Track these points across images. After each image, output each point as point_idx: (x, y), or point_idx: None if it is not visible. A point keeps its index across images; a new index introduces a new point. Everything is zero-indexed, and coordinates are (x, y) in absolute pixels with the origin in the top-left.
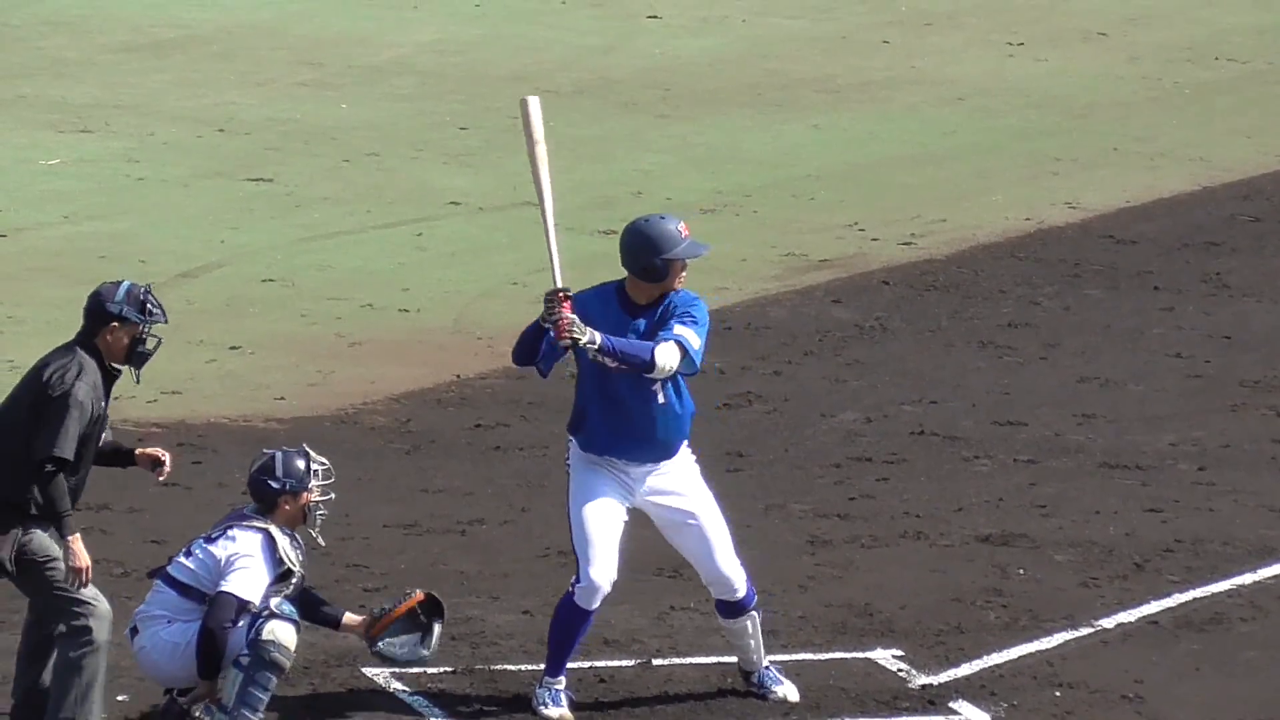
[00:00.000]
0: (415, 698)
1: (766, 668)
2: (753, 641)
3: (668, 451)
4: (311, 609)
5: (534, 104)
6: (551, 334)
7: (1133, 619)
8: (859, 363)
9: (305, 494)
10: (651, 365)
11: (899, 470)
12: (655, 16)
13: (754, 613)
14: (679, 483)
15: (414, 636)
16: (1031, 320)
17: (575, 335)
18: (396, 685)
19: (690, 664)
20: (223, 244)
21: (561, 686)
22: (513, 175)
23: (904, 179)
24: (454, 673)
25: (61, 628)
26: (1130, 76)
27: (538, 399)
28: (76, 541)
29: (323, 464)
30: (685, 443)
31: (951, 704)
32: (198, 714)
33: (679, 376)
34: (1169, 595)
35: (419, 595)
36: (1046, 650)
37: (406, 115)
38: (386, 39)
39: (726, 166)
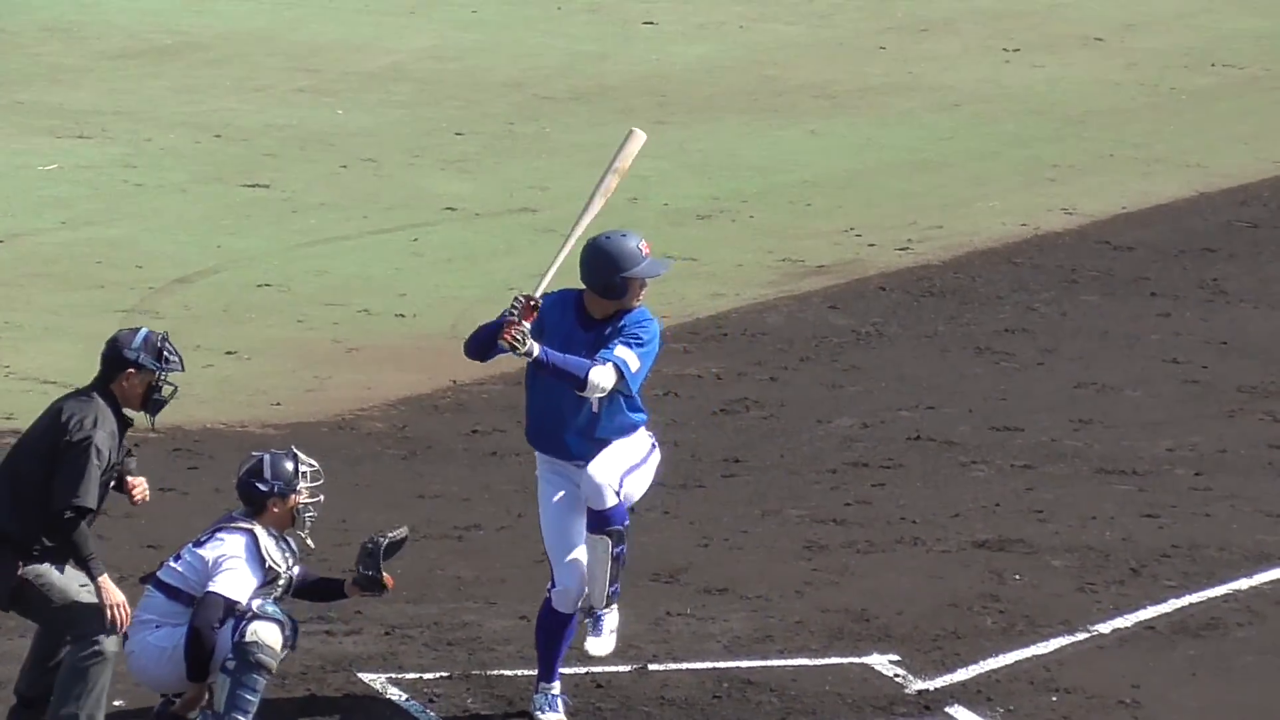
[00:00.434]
0: (411, 703)
1: (601, 614)
2: (597, 570)
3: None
4: (318, 590)
5: (637, 139)
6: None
7: (1129, 624)
8: (855, 369)
9: (294, 496)
10: (584, 384)
11: (895, 476)
12: (651, 23)
13: (609, 539)
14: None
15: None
16: (1028, 326)
17: (515, 343)
18: (393, 690)
19: (686, 669)
20: (219, 249)
21: (556, 691)
22: (509, 181)
23: (901, 185)
24: (450, 678)
25: (70, 638)
26: (1127, 82)
27: None
28: (106, 582)
29: (311, 466)
30: (642, 429)
31: (948, 709)
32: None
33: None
34: (1165, 600)
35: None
36: (1043, 655)
37: (403, 121)
38: (383, 45)
39: (723, 172)
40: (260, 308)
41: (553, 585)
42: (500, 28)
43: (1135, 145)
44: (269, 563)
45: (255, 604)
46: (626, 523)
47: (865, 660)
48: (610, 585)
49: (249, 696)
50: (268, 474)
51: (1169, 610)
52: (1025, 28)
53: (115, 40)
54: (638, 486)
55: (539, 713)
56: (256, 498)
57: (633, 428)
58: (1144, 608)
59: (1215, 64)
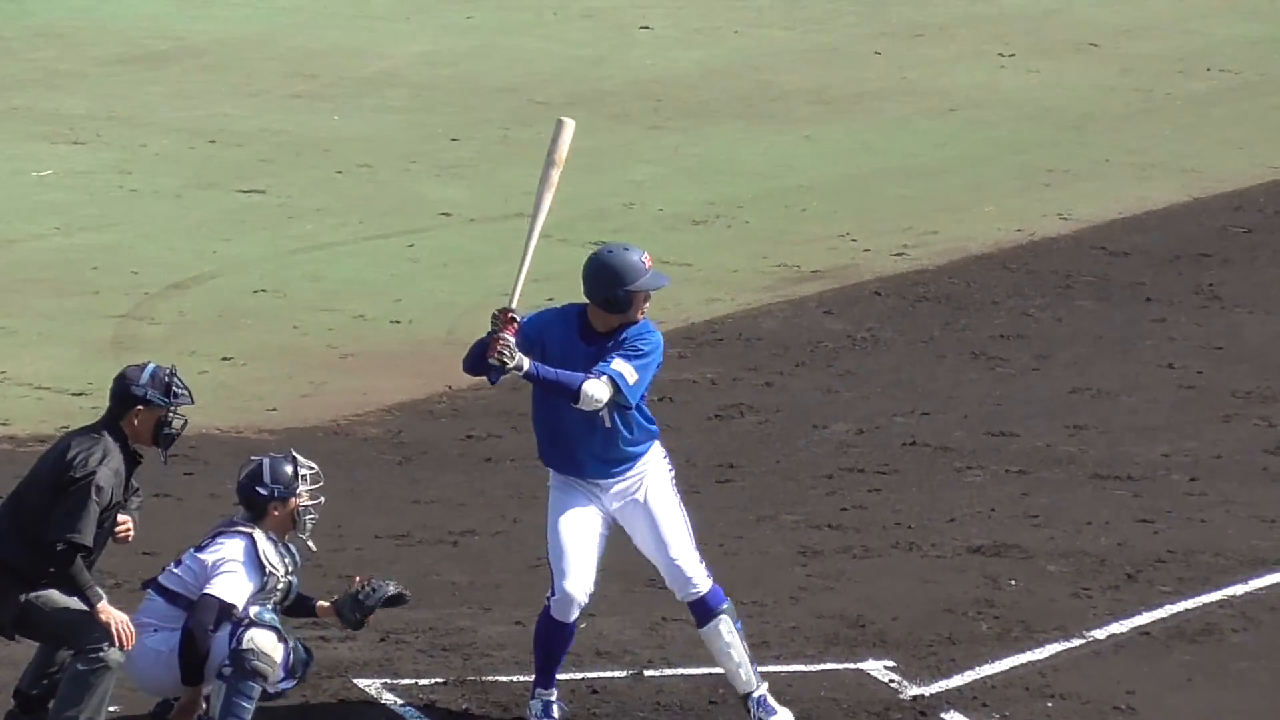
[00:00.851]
0: (407, 709)
1: (761, 698)
2: (733, 653)
3: (624, 465)
4: (299, 605)
5: (568, 128)
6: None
7: (1125, 630)
8: (851, 374)
9: (294, 499)
10: (578, 397)
11: (891, 481)
12: (647, 28)
13: (726, 616)
14: (639, 484)
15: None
16: (1023, 331)
17: (505, 359)
18: (388, 696)
19: (682, 675)
20: (215, 255)
21: (553, 698)
22: (504, 187)
23: (896, 190)
24: (445, 684)
25: (74, 649)
26: (1122, 88)
27: (529, 410)
28: (105, 606)
29: (311, 469)
30: (656, 444)
31: (943, 715)
32: None
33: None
34: (1161, 606)
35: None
36: (1039, 661)
37: (399, 127)
38: (378, 51)
39: (718, 177)
40: (256, 313)
41: (552, 593)
42: (496, 33)
43: (1130, 150)
44: (268, 568)
45: (253, 611)
46: (725, 599)
47: (861, 666)
48: (751, 661)
49: (244, 704)
50: (267, 478)
51: (1164, 616)
52: (1020, 33)
53: (110, 46)
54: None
55: (535, 718)
56: (257, 502)
57: (647, 441)
58: (1139, 613)
59: (1210, 69)
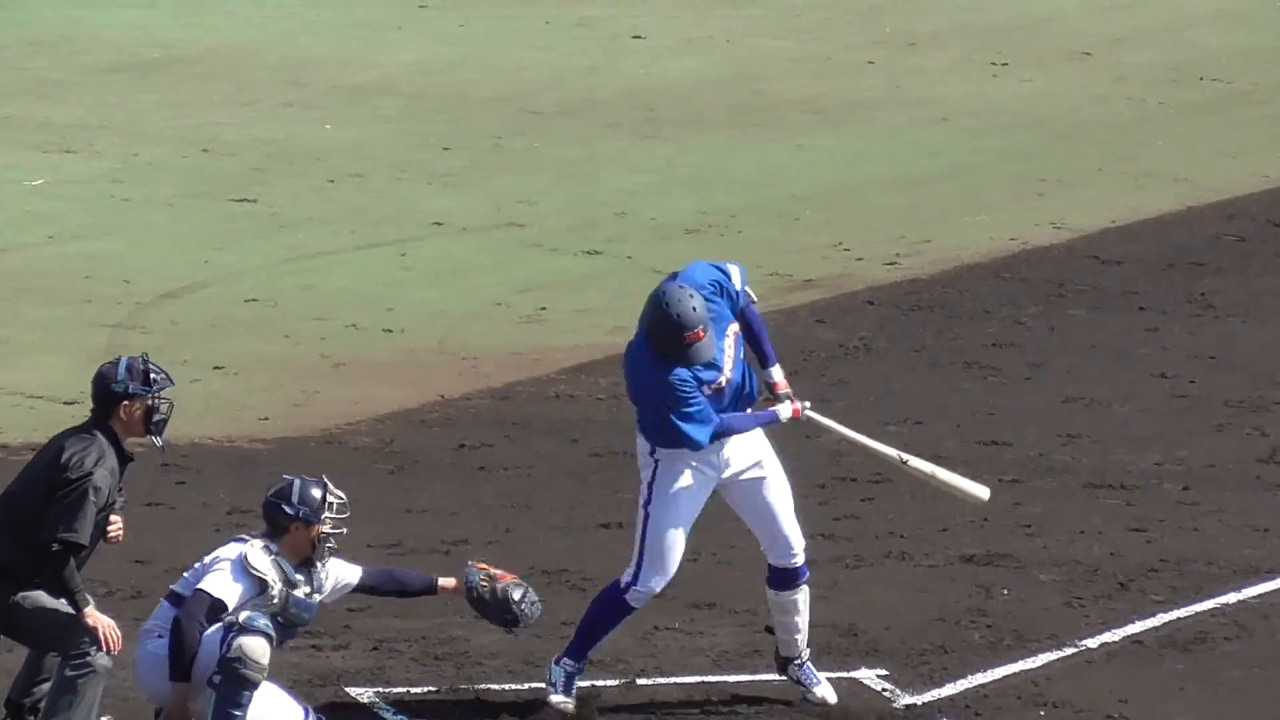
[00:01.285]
0: (399, 717)
1: (806, 664)
2: (799, 620)
3: None
4: (400, 583)
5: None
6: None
7: (1117, 639)
8: (843, 383)
9: (317, 525)
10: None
11: (884, 490)
12: (640, 37)
13: (806, 587)
14: (754, 451)
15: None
16: (1016, 340)
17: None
18: (381, 705)
19: (673, 683)
20: (207, 264)
21: (576, 670)
22: (496, 196)
23: (889, 199)
24: (438, 693)
25: (61, 654)
26: (1115, 97)
27: (521, 419)
28: (92, 611)
29: (339, 498)
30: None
31: None
32: None
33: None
34: (1153, 615)
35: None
36: (1031, 670)
37: (390, 136)
38: (370, 59)
39: (711, 187)
40: (248, 323)
41: (634, 582)
42: (488, 42)
43: (1123, 159)
44: (255, 574)
45: (243, 616)
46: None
47: (853, 675)
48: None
49: (236, 712)
50: (295, 499)
51: (1157, 625)
52: (1013, 42)
53: (102, 55)
54: None
55: (551, 689)
56: (280, 520)
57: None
58: (1132, 622)
59: (1203, 78)
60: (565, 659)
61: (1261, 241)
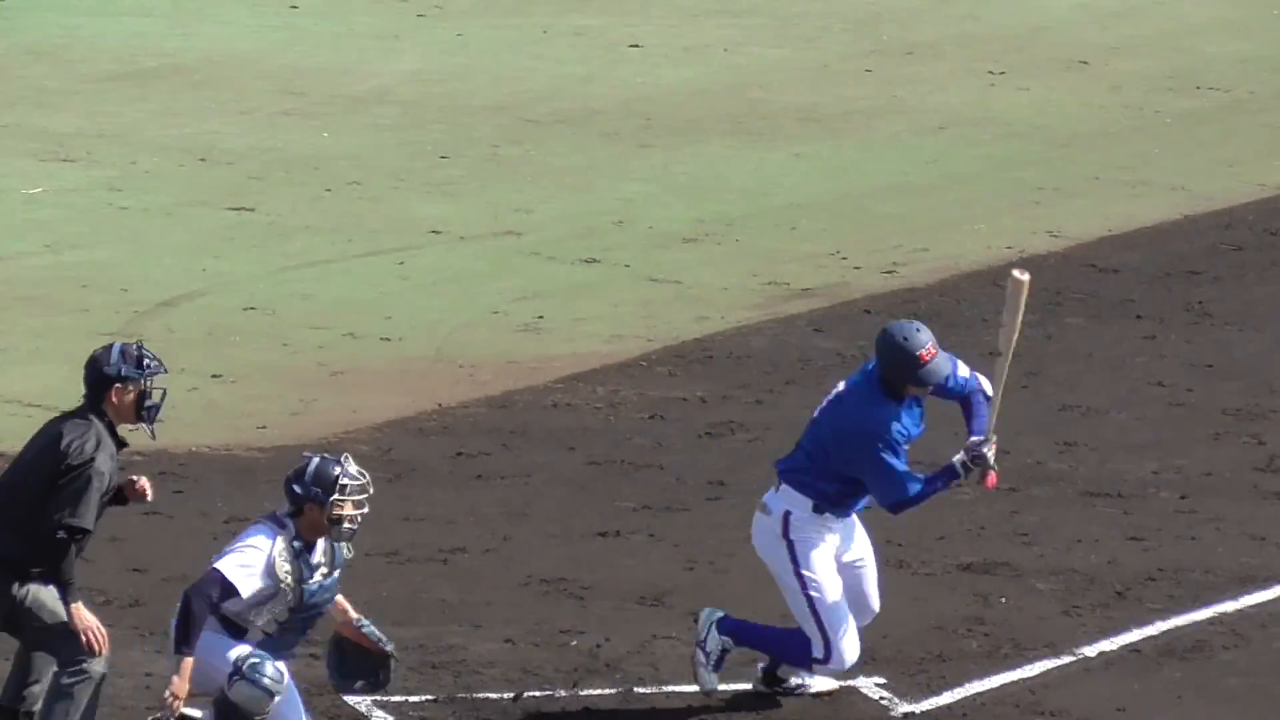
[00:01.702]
0: None
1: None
2: None
3: None
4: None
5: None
6: (969, 478)
7: (1115, 647)
8: None
9: (330, 505)
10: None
11: None
12: (637, 46)
13: None
14: (866, 543)
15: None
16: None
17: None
18: (378, 714)
19: (673, 691)
20: (204, 273)
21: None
22: (494, 204)
23: (886, 208)
24: (436, 701)
25: (58, 660)
26: (1112, 105)
27: (519, 428)
28: (80, 609)
29: (354, 479)
30: None
31: None
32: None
33: None
34: (1151, 623)
35: (385, 650)
36: (1029, 679)
37: (388, 144)
38: (368, 69)
39: (708, 195)
40: (245, 331)
41: (823, 660)
42: (485, 51)
43: (1120, 168)
44: (277, 575)
45: (250, 662)
46: None
47: (852, 683)
48: None
49: None
50: (307, 478)
51: (1154, 633)
52: (1010, 51)
53: (100, 63)
54: None
55: (701, 666)
56: (294, 500)
57: None
58: (1129, 631)
59: (1200, 87)
60: (725, 637)
61: (1258, 250)
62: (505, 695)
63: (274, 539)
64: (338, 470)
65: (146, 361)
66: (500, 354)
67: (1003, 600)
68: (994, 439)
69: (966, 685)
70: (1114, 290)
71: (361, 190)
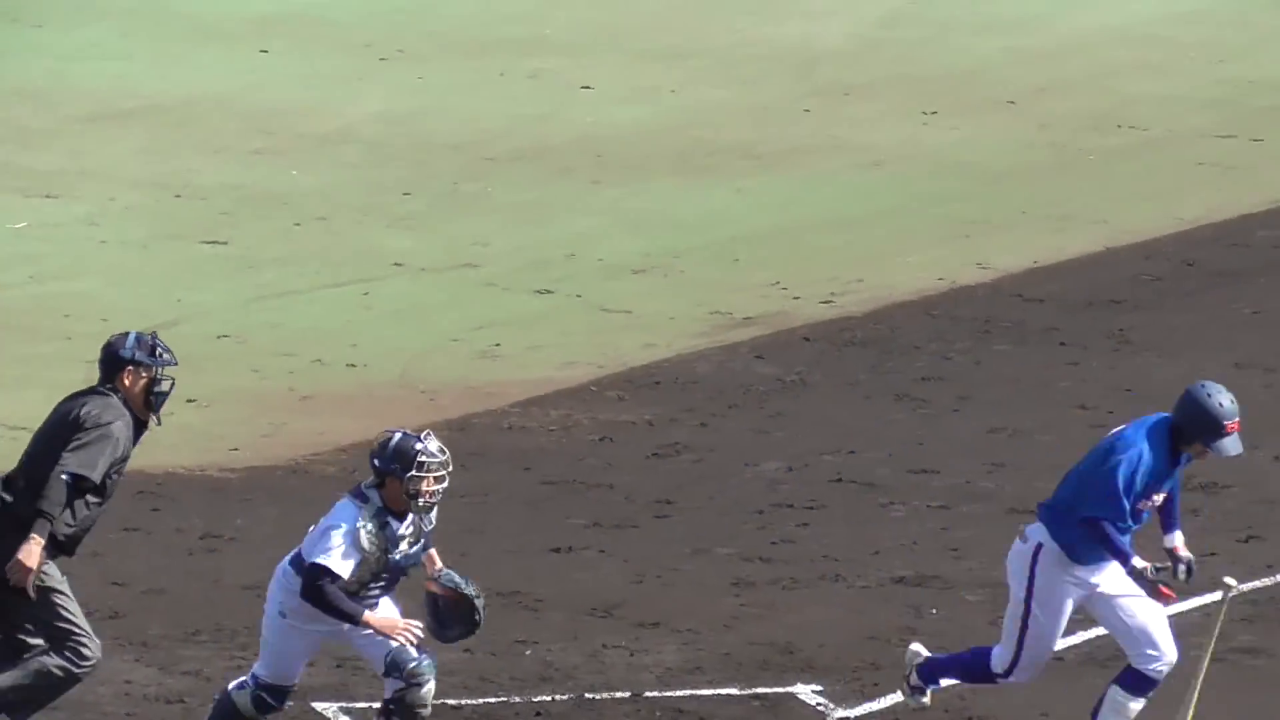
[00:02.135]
0: None
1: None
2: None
3: None
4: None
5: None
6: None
7: None
8: (781, 415)
9: (408, 481)
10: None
11: (819, 516)
12: (588, 87)
13: (1144, 700)
14: (1122, 578)
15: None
16: (944, 374)
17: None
18: (344, 719)
19: (621, 698)
20: (179, 303)
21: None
22: (453, 238)
23: (824, 241)
24: None
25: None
26: (1039, 144)
27: (477, 449)
28: (37, 544)
29: (433, 458)
30: None
31: None
32: None
33: None
34: (1073, 633)
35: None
36: (957, 685)
37: (353, 181)
38: (334, 109)
39: (656, 229)
40: (218, 358)
41: (1008, 674)
42: (445, 92)
43: (1046, 203)
44: (363, 550)
45: (410, 665)
46: None
47: (790, 690)
48: None
49: None
50: (389, 454)
51: (1076, 642)
52: (943, 92)
53: (82, 104)
54: None
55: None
56: (376, 472)
57: None
58: None
59: (1121, 125)
60: (916, 680)
61: (1176, 280)
62: (464, 701)
63: (357, 513)
64: (419, 446)
65: (160, 351)
66: (459, 379)
67: (933, 611)
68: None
69: (899, 692)
70: (1040, 319)
71: (328, 225)
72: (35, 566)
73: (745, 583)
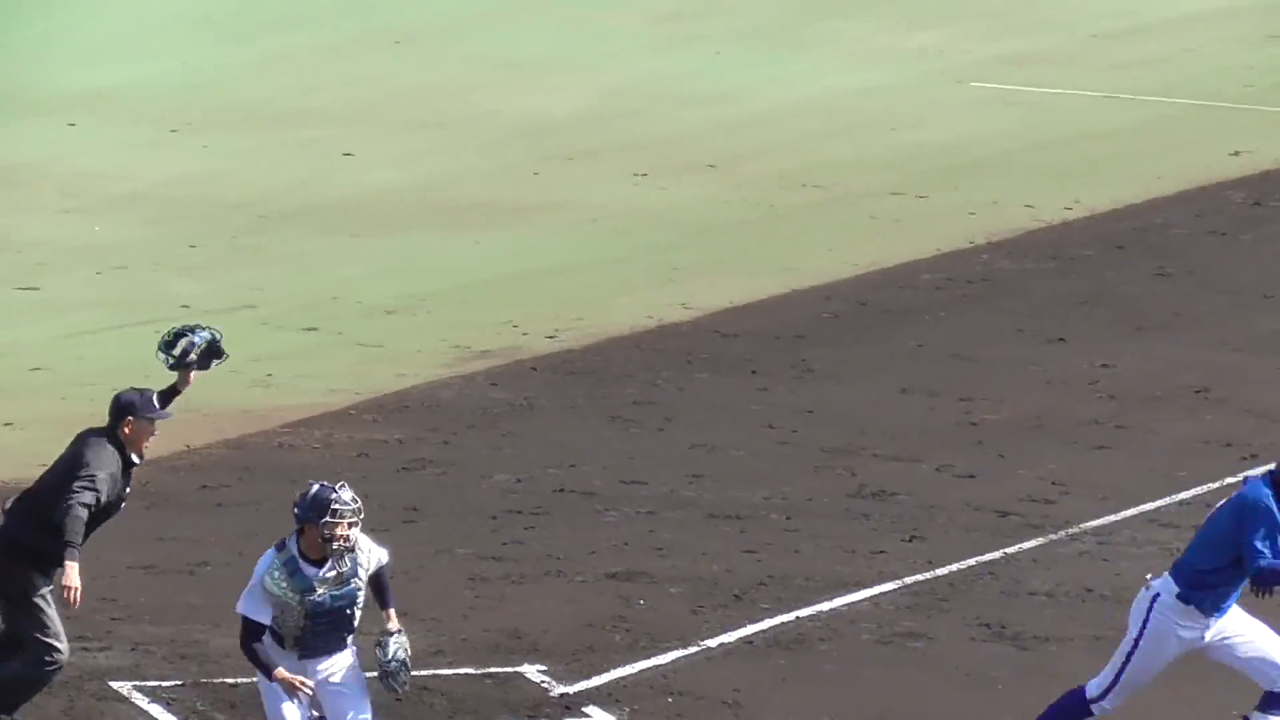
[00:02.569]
0: (153, 705)
1: None
2: None
3: None
4: (381, 591)
5: None
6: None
7: (732, 639)
8: (512, 434)
9: (322, 527)
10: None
11: (544, 521)
12: (350, 154)
13: None
14: (1243, 619)
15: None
16: (652, 399)
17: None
18: (138, 695)
19: (372, 677)
20: None
21: None
22: (233, 284)
23: (550, 285)
24: (184, 685)
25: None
26: (735, 200)
27: (252, 465)
28: (73, 568)
29: (346, 505)
30: None
31: (584, 709)
32: None
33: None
34: (761, 620)
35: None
36: (662, 665)
37: (148, 236)
38: (132, 174)
39: (407, 276)
40: (32, 388)
41: (1103, 698)
42: (229, 158)
43: (741, 252)
44: (270, 595)
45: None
46: None
47: (519, 669)
48: None
49: None
50: (305, 503)
51: (764, 628)
52: (654, 157)
53: None
54: None
55: None
56: (296, 519)
57: None
58: (744, 626)
59: (806, 185)
60: None
61: (852, 318)
62: (241, 680)
63: (269, 564)
64: (333, 495)
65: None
66: (237, 404)
67: (641, 602)
68: None
69: (612, 671)
70: (735, 351)
71: (126, 273)
72: (75, 585)
73: (480, 578)
